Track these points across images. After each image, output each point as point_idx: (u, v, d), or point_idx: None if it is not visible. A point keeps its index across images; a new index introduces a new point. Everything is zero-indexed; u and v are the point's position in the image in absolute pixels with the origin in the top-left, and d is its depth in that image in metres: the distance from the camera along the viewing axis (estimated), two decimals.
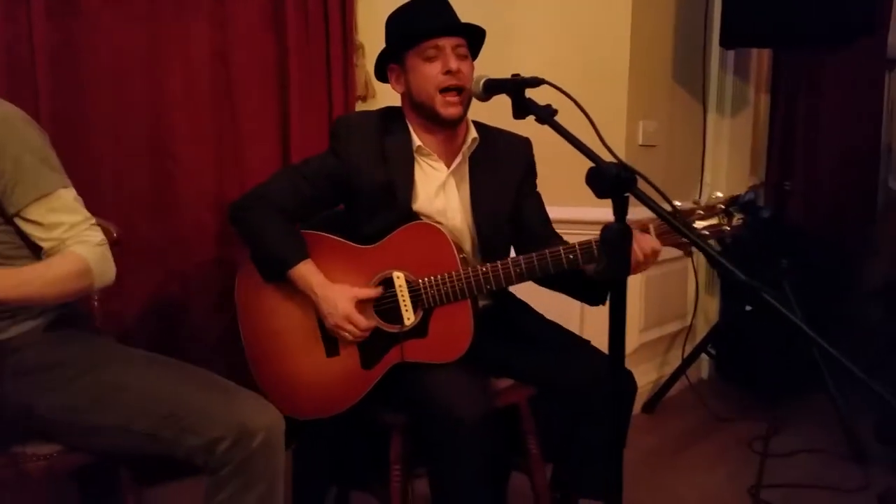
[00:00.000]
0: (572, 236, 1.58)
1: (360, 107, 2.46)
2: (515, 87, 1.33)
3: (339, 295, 1.52)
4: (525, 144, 1.77)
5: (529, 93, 1.37)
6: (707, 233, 1.46)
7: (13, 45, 1.84)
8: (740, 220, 1.46)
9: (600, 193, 1.16)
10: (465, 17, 2.55)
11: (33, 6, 1.84)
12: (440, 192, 1.65)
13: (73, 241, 1.30)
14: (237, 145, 2.23)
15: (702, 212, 1.47)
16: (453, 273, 1.52)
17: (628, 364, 1.85)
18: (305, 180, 1.61)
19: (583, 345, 1.67)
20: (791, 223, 3.07)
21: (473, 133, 1.68)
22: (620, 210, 1.14)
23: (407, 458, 1.60)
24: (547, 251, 1.50)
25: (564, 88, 2.31)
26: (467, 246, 1.67)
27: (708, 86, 2.98)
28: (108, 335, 1.52)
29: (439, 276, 1.53)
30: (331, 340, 1.59)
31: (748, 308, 3.00)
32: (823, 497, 2.14)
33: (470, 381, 1.48)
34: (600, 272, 1.42)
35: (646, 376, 2.89)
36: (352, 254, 1.59)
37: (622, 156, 2.52)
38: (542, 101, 1.33)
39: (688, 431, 2.66)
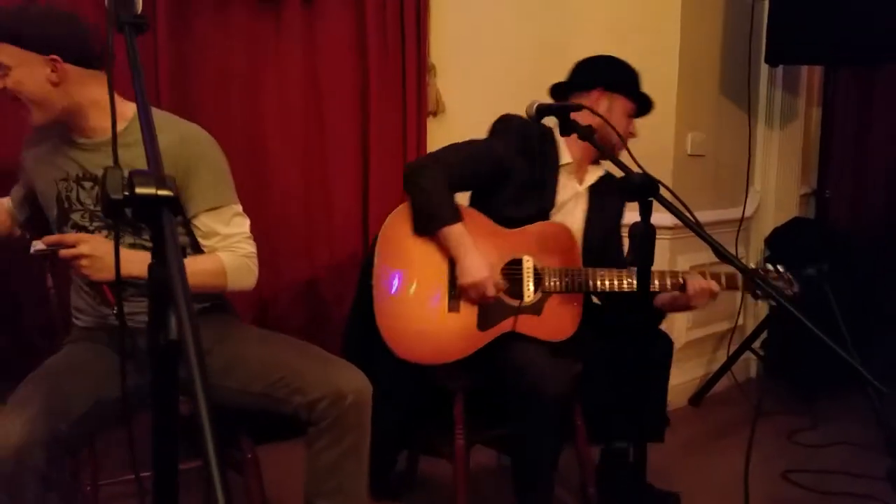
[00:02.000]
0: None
1: (430, 122, 2.75)
2: (561, 111, 1.59)
3: (480, 260, 1.77)
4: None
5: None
6: (775, 293, 1.82)
7: (143, 64, 2.19)
8: (797, 290, 1.87)
9: (629, 198, 1.40)
10: (524, 41, 2.83)
11: (159, 31, 2.19)
12: (567, 203, 1.98)
13: (223, 249, 1.58)
14: (323, 154, 2.55)
15: (773, 274, 1.89)
16: (573, 269, 1.85)
17: (676, 359, 2.14)
18: (471, 158, 1.88)
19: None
20: (835, 228, 3.19)
21: (601, 170, 2.04)
22: (645, 211, 1.39)
23: (470, 420, 1.86)
24: (658, 271, 1.83)
25: None
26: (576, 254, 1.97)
27: (755, 99, 3.14)
28: (233, 315, 1.80)
29: (562, 268, 1.85)
30: (455, 298, 1.82)
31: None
32: (853, 483, 2.29)
33: (556, 363, 1.74)
34: (631, 262, 1.68)
35: (692, 372, 3.07)
36: (495, 232, 1.88)
37: (670, 165, 2.79)
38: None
39: (729, 422, 2.84)
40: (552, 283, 1.84)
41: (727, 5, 2.95)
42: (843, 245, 3.21)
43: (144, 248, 1.52)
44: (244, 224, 1.62)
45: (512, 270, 1.85)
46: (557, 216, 1.95)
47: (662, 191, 1.39)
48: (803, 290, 1.88)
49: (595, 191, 2.02)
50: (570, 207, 1.98)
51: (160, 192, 0.71)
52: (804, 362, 3.06)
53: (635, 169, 1.41)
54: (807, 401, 2.93)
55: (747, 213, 3.18)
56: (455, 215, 1.79)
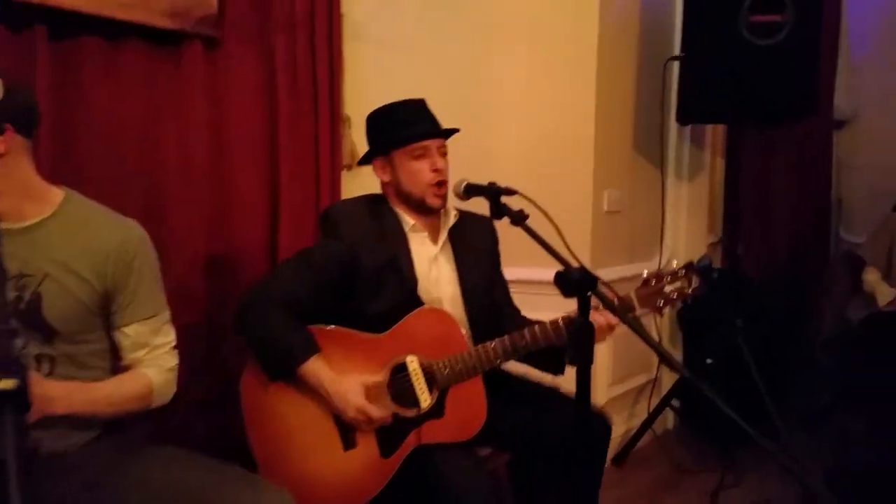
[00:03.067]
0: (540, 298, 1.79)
1: (345, 175, 2.61)
2: (492, 195, 1.49)
3: (348, 388, 1.60)
4: (491, 223, 1.96)
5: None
6: (675, 296, 1.73)
7: None
8: (697, 283, 1.72)
9: (566, 293, 1.31)
10: (441, 96, 2.74)
11: (39, 79, 1.92)
12: (433, 265, 1.81)
13: (149, 363, 1.43)
14: (228, 216, 2.34)
15: (669, 277, 1.72)
16: (464, 353, 1.65)
17: None
18: (310, 269, 1.70)
19: (554, 398, 1.83)
20: (746, 279, 3.28)
21: (454, 211, 1.86)
22: (584, 308, 1.30)
23: None
24: (547, 323, 1.67)
25: (537, 161, 2.53)
26: (460, 316, 1.81)
27: (666, 154, 3.20)
28: (132, 435, 1.58)
29: (451, 357, 1.65)
30: (347, 433, 1.63)
31: (709, 361, 3.19)
32: None
33: (478, 465, 1.60)
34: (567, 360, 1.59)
35: (615, 429, 3.02)
36: (363, 343, 1.67)
37: (589, 223, 2.76)
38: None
39: (654, 485, 2.81)
40: (446, 376, 1.64)
41: (640, 67, 3.00)
42: (753, 293, 3.31)
43: (51, 357, 1.37)
44: (171, 332, 1.50)
45: (399, 378, 1.66)
46: (425, 289, 1.77)
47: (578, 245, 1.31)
48: (705, 287, 1.75)
49: (456, 239, 1.86)
50: (436, 273, 1.81)
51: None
52: (720, 415, 3.09)
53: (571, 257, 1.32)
54: (726, 454, 2.95)
55: (661, 266, 3.23)
56: (306, 348, 1.61)
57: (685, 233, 3.38)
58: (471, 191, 1.60)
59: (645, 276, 1.73)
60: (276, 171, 2.43)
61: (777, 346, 3.30)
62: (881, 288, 3.33)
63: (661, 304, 1.71)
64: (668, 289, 1.70)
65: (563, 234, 2.70)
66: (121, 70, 2.12)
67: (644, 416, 3.09)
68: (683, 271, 1.72)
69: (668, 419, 3.44)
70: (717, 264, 3.55)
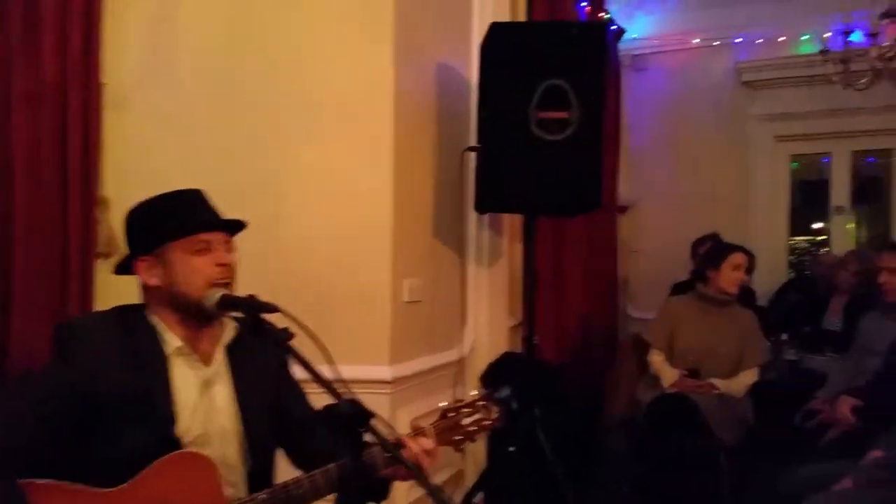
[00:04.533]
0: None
1: (101, 264, 2.24)
2: (250, 310, 1.27)
3: None
4: (284, 332, 1.70)
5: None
6: (475, 429, 1.61)
7: None
8: (498, 414, 1.63)
9: (336, 430, 1.12)
10: (223, 180, 2.50)
11: None
12: (204, 393, 1.51)
13: None
14: None
15: (467, 409, 1.60)
16: None
17: None
18: (31, 405, 1.35)
19: None
20: (543, 364, 3.30)
21: (232, 323, 1.59)
22: (356, 447, 1.11)
23: None
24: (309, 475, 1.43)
25: (332, 251, 2.30)
26: (233, 450, 1.53)
27: (466, 242, 3.18)
28: None
29: None
30: None
31: (511, 449, 3.13)
32: None
33: None
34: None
35: None
36: (92, 501, 1.32)
37: (388, 314, 2.61)
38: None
39: None
40: None
41: (438, 155, 2.96)
42: (551, 378, 3.34)
43: None
44: None
45: None
46: (187, 427, 1.47)
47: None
48: (505, 414, 1.67)
49: (236, 358, 1.58)
50: (207, 403, 1.52)
51: None
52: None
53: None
54: None
55: (464, 353, 3.17)
56: None
57: (487, 318, 3.35)
58: (226, 304, 1.36)
59: (442, 408, 1.60)
60: (9, 261, 2.02)
61: (577, 431, 3.34)
62: (665, 369, 3.50)
63: (461, 439, 1.59)
64: (466, 421, 1.59)
65: (361, 326, 2.59)
66: None
67: None
68: (482, 402, 1.61)
69: None
70: (516, 347, 3.55)
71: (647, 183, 5.56)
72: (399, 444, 1.45)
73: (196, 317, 1.51)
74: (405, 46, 2.63)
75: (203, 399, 1.52)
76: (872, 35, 3.98)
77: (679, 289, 4.36)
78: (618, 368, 4.00)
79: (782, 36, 5.13)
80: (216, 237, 1.52)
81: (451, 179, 3.01)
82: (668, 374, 3.46)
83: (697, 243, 4.56)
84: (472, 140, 2.97)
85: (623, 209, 5.36)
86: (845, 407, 2.81)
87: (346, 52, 2.56)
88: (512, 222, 3.59)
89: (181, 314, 1.51)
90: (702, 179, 5.45)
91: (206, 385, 1.53)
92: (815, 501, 2.19)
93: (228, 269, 1.51)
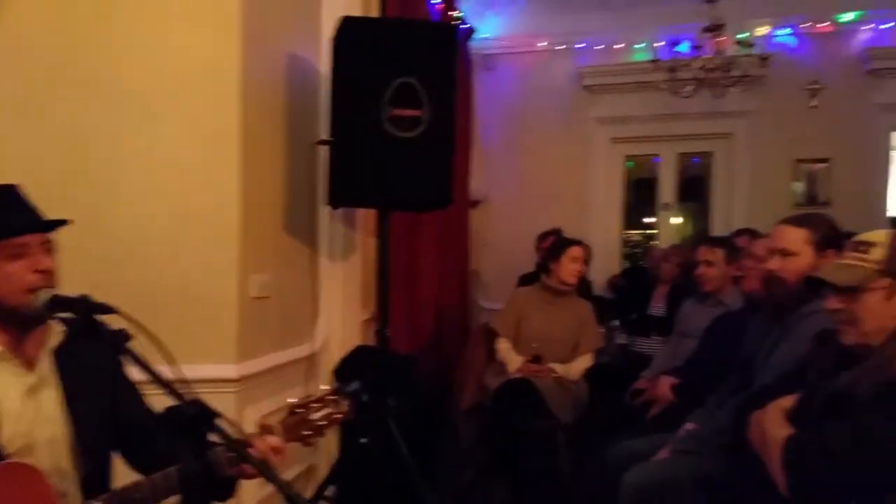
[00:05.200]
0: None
1: None
2: (84, 311, 1.21)
3: None
4: (120, 333, 1.62)
5: None
6: (324, 423, 1.63)
7: None
8: (347, 408, 1.65)
9: (179, 433, 1.10)
10: (51, 173, 2.34)
11: None
12: (28, 401, 1.42)
13: None
14: None
15: (316, 404, 1.61)
16: None
17: None
18: None
19: None
20: (396, 356, 3.36)
21: (58, 327, 1.50)
22: (198, 448, 1.10)
23: None
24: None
25: (176, 246, 2.21)
26: (64, 457, 1.45)
27: (319, 236, 3.17)
28: None
29: None
30: None
31: (363, 440, 3.17)
32: None
33: None
34: None
35: None
36: None
37: (235, 310, 2.55)
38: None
39: None
40: None
41: (289, 148, 2.91)
42: (403, 369, 3.41)
43: None
44: None
45: None
46: (10, 437, 1.38)
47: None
48: (355, 407, 1.71)
49: (64, 362, 1.50)
50: (33, 411, 1.43)
51: None
52: (379, 497, 3.07)
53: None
54: None
55: (316, 349, 3.15)
56: None
57: (340, 312, 3.35)
58: (57, 305, 1.29)
59: (290, 404, 1.61)
60: None
61: (428, 420, 3.44)
62: (511, 356, 3.69)
63: (310, 434, 1.60)
64: (315, 416, 1.60)
65: (206, 324, 2.50)
66: None
67: None
68: (332, 397, 1.64)
69: None
70: (370, 341, 3.59)
71: (497, 178, 5.79)
72: (245, 443, 1.44)
73: (16, 322, 1.43)
74: (253, 34, 2.57)
75: (28, 406, 1.42)
76: (696, 47, 4.40)
77: (526, 280, 4.60)
78: (467, 357, 4.15)
79: (619, 44, 5.53)
80: (33, 239, 1.44)
81: (302, 172, 2.99)
82: (514, 361, 3.65)
83: (541, 237, 4.83)
84: (325, 133, 2.96)
85: (475, 204, 5.55)
86: (664, 386, 3.11)
87: (189, 37, 2.46)
88: (366, 216, 3.61)
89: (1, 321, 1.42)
90: (547, 176, 5.76)
91: (31, 392, 1.44)
92: (637, 471, 2.41)
93: (48, 275, 1.43)
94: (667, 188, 5.98)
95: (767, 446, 1.74)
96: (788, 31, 5.28)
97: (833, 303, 1.75)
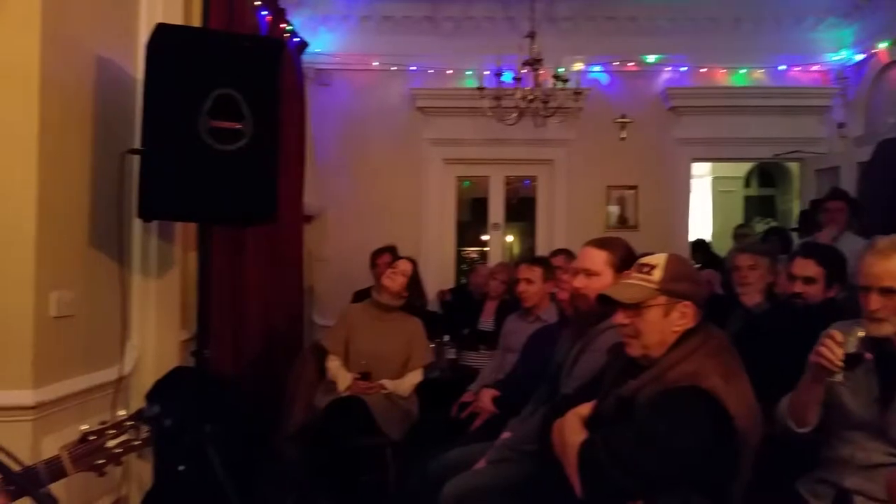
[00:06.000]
0: None
1: None
2: None
3: None
4: None
5: None
6: (121, 450, 1.55)
7: None
8: (148, 433, 1.59)
9: None
10: None
11: None
12: None
13: None
14: None
15: (112, 431, 1.54)
16: None
17: None
18: None
19: None
20: (215, 379, 3.23)
21: None
22: None
23: None
24: None
25: None
26: None
27: (130, 250, 2.98)
28: None
29: None
30: None
31: (181, 468, 3.00)
32: None
33: None
34: None
35: None
36: None
37: (30, 332, 2.34)
38: None
39: None
40: None
41: (97, 155, 2.73)
42: (223, 392, 3.27)
43: None
44: None
45: None
46: None
47: None
48: (156, 432, 1.64)
49: None
50: None
51: None
52: None
53: None
54: None
55: (126, 371, 2.94)
56: None
57: (155, 332, 3.16)
58: None
59: (82, 432, 1.52)
60: None
61: (252, 443, 3.32)
62: (340, 374, 3.67)
63: (103, 463, 1.52)
64: (111, 444, 1.53)
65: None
66: None
67: None
68: (131, 422, 1.56)
69: None
70: (189, 361, 3.42)
71: (333, 194, 5.77)
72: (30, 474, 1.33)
73: None
74: (56, 34, 2.40)
75: None
76: (517, 79, 4.67)
77: (360, 296, 4.59)
78: (296, 376, 4.07)
79: (450, 69, 5.74)
80: None
81: (112, 182, 2.79)
82: (343, 378, 3.64)
83: (375, 254, 4.86)
84: (138, 142, 2.80)
85: (309, 219, 5.48)
86: (486, 398, 3.25)
87: None
88: (185, 230, 3.44)
89: None
90: (383, 193, 5.83)
91: None
92: (456, 481, 2.49)
93: None
94: (496, 209, 6.26)
95: (566, 452, 1.87)
96: (600, 68, 5.77)
97: (620, 318, 1.93)
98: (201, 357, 2.98)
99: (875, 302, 1.96)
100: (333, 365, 3.73)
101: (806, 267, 2.86)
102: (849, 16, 5.57)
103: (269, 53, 2.76)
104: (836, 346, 1.90)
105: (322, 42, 5.59)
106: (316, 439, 3.53)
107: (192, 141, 2.57)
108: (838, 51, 5.71)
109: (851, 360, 1.90)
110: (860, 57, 5.51)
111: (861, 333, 1.92)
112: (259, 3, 4.13)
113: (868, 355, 1.93)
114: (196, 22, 3.31)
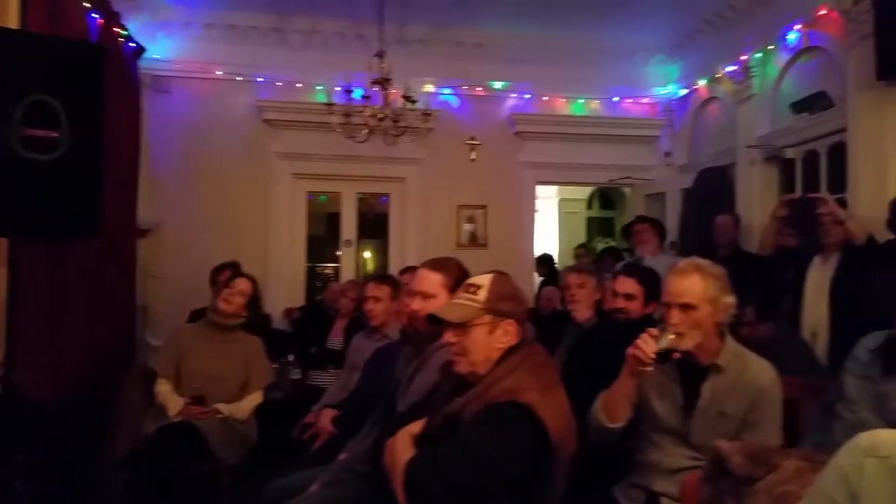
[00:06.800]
0: None
1: None
2: None
3: None
4: None
5: None
6: None
7: None
8: None
9: None
10: None
11: None
12: None
13: None
14: None
15: None
16: None
17: None
18: None
19: None
20: (24, 405, 2.94)
21: None
22: None
23: None
24: None
25: None
26: None
27: None
28: None
29: None
30: None
31: None
32: None
33: None
34: None
35: None
36: None
37: None
38: None
39: None
40: None
41: None
42: (37, 420, 2.99)
43: None
44: None
45: None
46: None
47: None
48: None
49: None
50: None
51: None
52: None
53: None
54: None
55: None
56: None
57: None
58: None
59: None
60: None
61: (73, 470, 3.06)
62: (171, 399, 3.46)
63: None
64: None
65: None
66: None
67: None
68: None
69: None
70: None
71: (171, 206, 5.47)
72: None
73: None
74: None
75: None
76: (366, 97, 4.68)
77: (197, 315, 4.38)
78: (122, 400, 3.80)
79: (300, 83, 5.66)
80: None
81: None
82: (173, 403, 3.43)
83: (216, 270, 4.66)
84: None
85: (143, 233, 5.16)
86: (326, 418, 3.20)
87: None
88: None
89: None
90: (226, 207, 5.61)
91: None
92: None
93: None
94: (348, 225, 6.23)
95: (395, 470, 1.88)
96: (450, 90, 5.94)
97: (449, 337, 1.98)
98: (11, 384, 2.71)
99: (675, 316, 2.18)
100: (163, 389, 3.51)
101: (626, 285, 3.09)
102: (673, 53, 6.10)
103: (91, 58, 2.59)
104: (651, 340, 2.09)
105: (161, 48, 5.32)
106: (144, 466, 3.30)
107: (3, 150, 2.35)
108: (665, 85, 6.25)
109: (662, 356, 2.12)
110: (684, 91, 6.07)
111: (672, 336, 2.12)
112: (88, 5, 3.85)
113: (676, 354, 2.14)
114: (13, 24, 3.02)
